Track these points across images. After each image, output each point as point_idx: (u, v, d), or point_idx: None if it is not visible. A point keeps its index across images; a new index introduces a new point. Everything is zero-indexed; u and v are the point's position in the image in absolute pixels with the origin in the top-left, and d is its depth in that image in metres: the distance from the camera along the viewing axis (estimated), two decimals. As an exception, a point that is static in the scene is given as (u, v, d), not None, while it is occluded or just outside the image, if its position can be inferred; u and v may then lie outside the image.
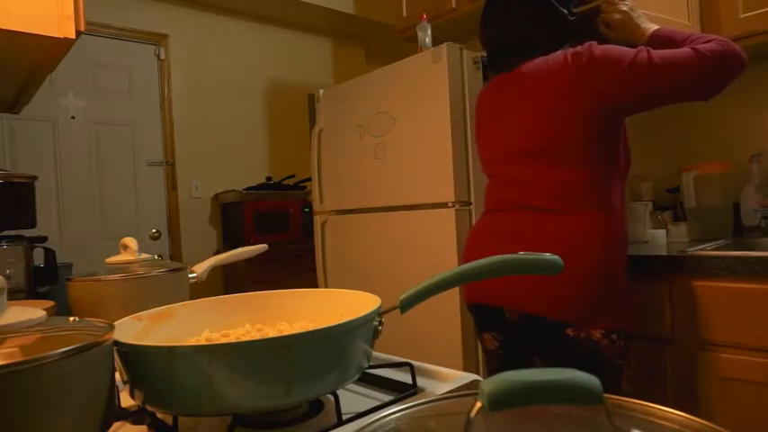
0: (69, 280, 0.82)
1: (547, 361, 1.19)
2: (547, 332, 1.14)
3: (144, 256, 0.89)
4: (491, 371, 1.32)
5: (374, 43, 3.90)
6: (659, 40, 1.18)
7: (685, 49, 1.05)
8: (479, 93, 1.37)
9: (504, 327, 1.23)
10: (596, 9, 1.31)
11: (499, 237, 1.21)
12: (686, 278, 1.33)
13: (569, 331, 1.10)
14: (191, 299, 0.76)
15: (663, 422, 0.31)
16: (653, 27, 1.22)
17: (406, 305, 0.53)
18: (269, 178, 3.18)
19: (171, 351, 0.44)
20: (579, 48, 1.12)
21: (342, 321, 0.47)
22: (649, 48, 1.08)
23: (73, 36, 0.93)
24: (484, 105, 1.32)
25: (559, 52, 1.17)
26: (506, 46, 1.24)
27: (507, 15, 1.24)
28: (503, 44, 1.25)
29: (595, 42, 1.12)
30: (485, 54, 1.78)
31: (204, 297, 0.68)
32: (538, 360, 1.22)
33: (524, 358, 1.24)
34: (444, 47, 1.71)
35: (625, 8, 1.25)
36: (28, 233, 1.28)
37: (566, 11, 1.20)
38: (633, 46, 1.11)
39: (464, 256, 1.32)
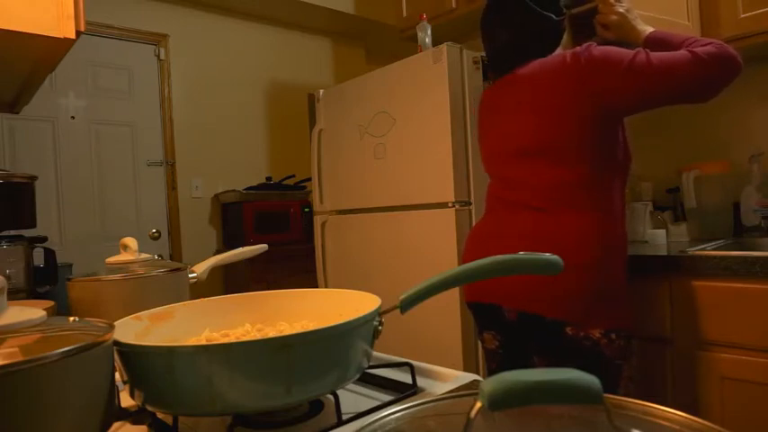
0: (69, 280, 0.82)
1: (546, 360, 1.19)
2: (545, 331, 1.14)
3: (144, 256, 0.89)
4: (491, 370, 1.32)
5: (374, 43, 3.90)
6: (655, 42, 1.19)
7: (683, 52, 1.06)
8: (483, 93, 1.38)
9: (503, 326, 1.23)
10: (594, 9, 1.31)
11: (497, 237, 1.21)
12: (686, 278, 1.33)
13: (568, 330, 1.10)
14: (191, 299, 0.76)
15: (663, 422, 0.31)
16: (649, 29, 1.23)
17: (406, 305, 0.53)
18: (269, 178, 3.18)
19: (171, 351, 0.44)
20: (578, 48, 1.13)
21: (342, 321, 0.47)
22: (647, 50, 1.08)
23: (73, 36, 0.93)
24: (485, 106, 1.34)
25: (558, 53, 1.18)
26: (501, 50, 1.26)
27: (498, 21, 1.25)
28: (498, 48, 1.26)
29: (594, 44, 1.13)
30: (485, 54, 1.79)
31: (204, 297, 0.68)
32: (537, 359, 1.22)
33: (524, 358, 1.24)
34: (444, 47, 1.71)
35: (621, 9, 1.26)
36: (28, 233, 1.28)
37: (554, 14, 1.21)
38: (630, 47, 1.12)
39: (463, 257, 1.33)
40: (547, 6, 1.21)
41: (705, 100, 1.07)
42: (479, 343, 1.74)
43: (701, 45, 1.07)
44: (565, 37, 1.27)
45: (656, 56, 1.06)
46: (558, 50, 1.23)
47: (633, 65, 1.06)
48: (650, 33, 1.22)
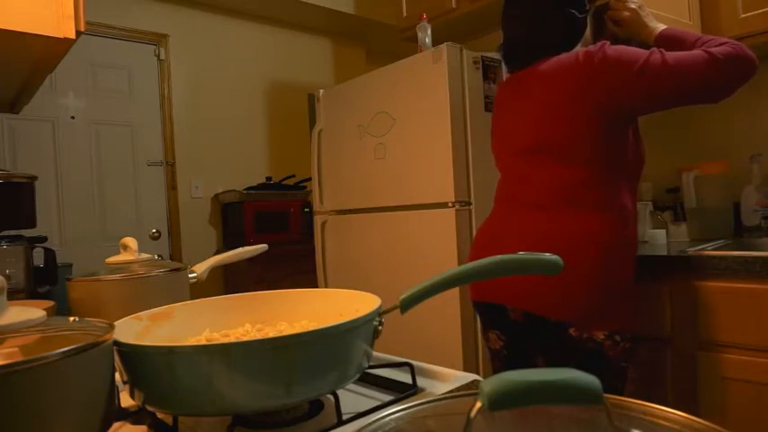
0: (69, 280, 0.82)
1: (550, 361, 1.19)
2: (549, 332, 1.13)
3: (144, 256, 0.89)
4: (496, 370, 1.32)
5: (374, 43, 3.90)
6: (667, 39, 1.18)
7: (699, 52, 1.04)
8: (497, 89, 1.37)
9: (507, 326, 1.23)
10: (606, 6, 1.31)
11: (503, 236, 1.21)
12: (686, 278, 1.33)
13: (572, 331, 1.10)
14: (191, 299, 0.76)
15: (663, 422, 0.31)
16: (661, 26, 1.22)
17: (406, 305, 0.53)
18: (269, 178, 3.18)
19: (171, 351, 0.44)
20: (592, 47, 1.12)
21: (342, 321, 0.47)
22: (662, 49, 1.07)
23: (73, 36, 0.93)
24: (499, 102, 1.33)
25: (572, 51, 1.17)
26: (520, 45, 1.25)
27: (521, 16, 1.24)
28: (517, 43, 1.26)
29: (608, 42, 1.12)
30: (485, 54, 1.79)
31: (204, 297, 0.68)
32: (541, 360, 1.22)
33: (528, 358, 1.24)
34: (444, 47, 1.71)
35: (633, 6, 1.25)
36: (28, 233, 1.28)
37: (577, 11, 1.20)
38: (642, 44, 1.11)
39: (470, 255, 1.32)
40: (569, 3, 1.19)
41: (718, 100, 1.07)
42: (481, 342, 1.74)
43: (717, 45, 1.05)
44: (586, 33, 1.26)
45: (672, 56, 1.04)
46: (579, 47, 1.22)
47: (648, 65, 1.05)
48: (662, 31, 1.21)
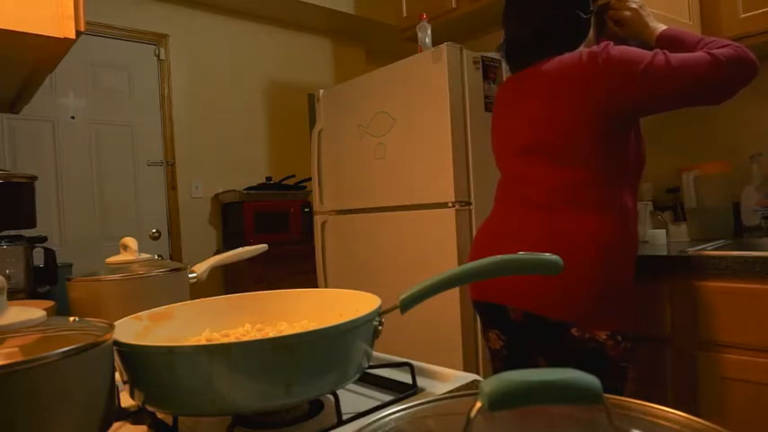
0: (69, 280, 0.82)
1: (550, 361, 1.19)
2: (549, 332, 1.13)
3: (144, 256, 0.89)
4: (496, 370, 1.31)
5: (374, 43, 3.90)
6: (669, 40, 1.18)
7: (701, 54, 1.04)
8: (497, 89, 1.37)
9: (507, 326, 1.23)
10: (606, 5, 1.31)
11: (503, 236, 1.21)
12: (686, 278, 1.33)
13: (574, 331, 1.10)
14: (191, 299, 0.76)
15: (663, 422, 0.31)
16: (662, 27, 1.22)
17: (406, 305, 0.53)
18: (269, 178, 3.18)
19: (171, 351, 0.44)
20: (595, 48, 1.12)
21: (342, 321, 0.47)
22: (665, 50, 1.07)
23: (73, 36, 0.93)
24: (499, 101, 1.33)
25: (575, 51, 1.17)
26: (521, 45, 1.25)
27: (522, 16, 1.24)
28: (518, 43, 1.26)
29: (611, 43, 1.12)
30: (485, 54, 1.79)
31: (204, 297, 0.68)
32: (542, 360, 1.22)
33: (528, 358, 1.24)
34: (444, 47, 1.71)
35: (634, 6, 1.26)
36: (28, 233, 1.28)
37: (581, 11, 1.20)
38: (643, 44, 1.11)
39: (470, 254, 1.32)
40: (573, 3, 1.19)
41: (720, 102, 1.07)
42: (481, 342, 1.74)
43: (719, 47, 1.06)
44: (589, 33, 1.26)
45: (675, 57, 1.05)
46: (582, 47, 1.22)
47: (651, 66, 1.05)
48: (663, 31, 1.21)
